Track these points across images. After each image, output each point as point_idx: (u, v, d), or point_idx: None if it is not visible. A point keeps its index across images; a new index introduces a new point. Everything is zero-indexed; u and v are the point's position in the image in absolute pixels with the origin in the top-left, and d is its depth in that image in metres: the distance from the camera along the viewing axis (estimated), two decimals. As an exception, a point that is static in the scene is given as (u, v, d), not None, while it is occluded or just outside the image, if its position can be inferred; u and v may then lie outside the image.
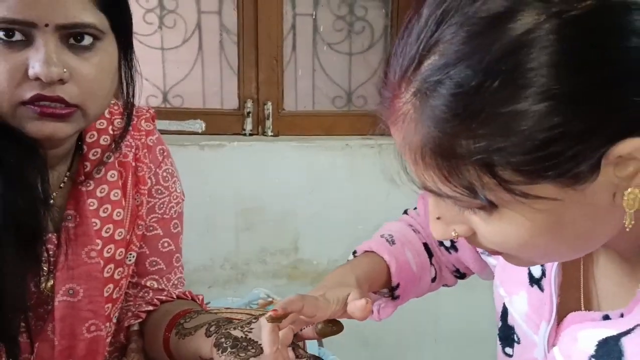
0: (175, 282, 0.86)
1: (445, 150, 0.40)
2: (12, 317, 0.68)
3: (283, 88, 1.63)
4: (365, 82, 1.70)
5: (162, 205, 0.85)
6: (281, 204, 1.57)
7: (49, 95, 0.62)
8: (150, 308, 0.83)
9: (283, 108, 1.64)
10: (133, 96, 0.77)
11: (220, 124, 1.61)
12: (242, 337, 0.67)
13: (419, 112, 0.41)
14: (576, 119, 0.37)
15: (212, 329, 0.71)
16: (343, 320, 0.64)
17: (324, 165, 1.57)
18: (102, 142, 0.78)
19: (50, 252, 0.74)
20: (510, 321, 0.58)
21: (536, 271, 0.54)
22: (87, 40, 0.64)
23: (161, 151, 0.86)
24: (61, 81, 0.62)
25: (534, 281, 0.54)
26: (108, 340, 0.79)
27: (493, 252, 0.47)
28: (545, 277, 0.53)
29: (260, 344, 0.63)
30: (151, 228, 0.84)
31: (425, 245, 0.77)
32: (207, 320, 0.74)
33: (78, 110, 0.65)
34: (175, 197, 0.87)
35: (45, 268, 0.73)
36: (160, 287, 0.84)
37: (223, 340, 0.67)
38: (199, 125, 1.59)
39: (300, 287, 1.60)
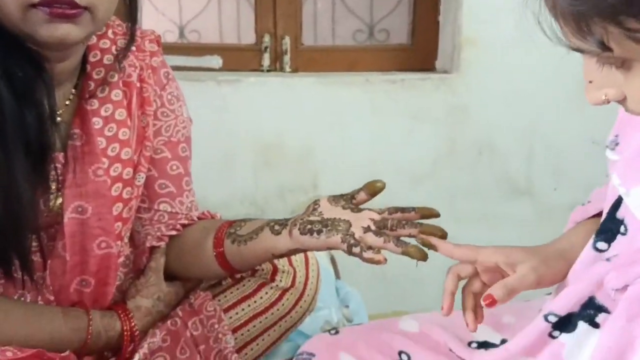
0: (189, 205, 0.87)
1: (575, 4, 0.42)
2: (24, 234, 0.70)
3: (301, 22, 1.58)
4: (387, 15, 1.64)
5: (168, 128, 0.84)
6: (300, 140, 1.55)
7: None
8: (174, 233, 0.84)
9: (302, 43, 1.60)
10: (135, 12, 0.76)
11: (238, 59, 1.58)
12: (322, 219, 0.71)
13: None
14: None
15: (277, 227, 0.75)
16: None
17: (344, 102, 1.54)
18: (105, 61, 0.77)
19: (58, 171, 0.75)
20: (620, 214, 0.57)
21: None
22: None
23: (166, 74, 0.85)
24: None
25: None
26: (120, 259, 0.81)
27: None
28: None
29: (341, 219, 0.69)
30: (159, 151, 0.84)
31: None
32: (260, 223, 0.78)
33: (86, 11, 0.65)
34: (182, 120, 0.86)
35: (53, 186, 0.74)
36: (174, 211, 0.85)
37: (310, 226, 0.70)
38: (216, 60, 1.57)
39: (320, 226, 1.60)
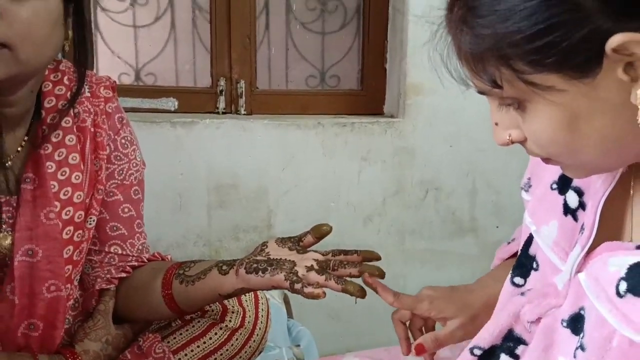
0: (140, 247, 0.89)
1: (473, 48, 0.47)
2: None
3: (256, 66, 1.64)
4: (338, 61, 1.72)
5: (121, 172, 0.87)
6: (254, 181, 1.58)
7: None
8: (123, 275, 0.86)
9: (256, 86, 1.66)
10: (86, 55, 0.78)
11: (193, 102, 1.62)
12: (268, 259, 0.75)
13: (462, 23, 0.48)
14: (565, 12, 0.42)
15: (224, 267, 0.77)
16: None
17: (297, 143, 1.59)
18: (60, 107, 0.80)
19: (9, 214, 0.75)
20: (532, 251, 0.61)
21: (573, 202, 0.57)
22: None
23: (120, 119, 0.87)
24: None
25: (569, 211, 0.57)
26: (70, 303, 0.81)
27: (543, 159, 0.53)
28: (582, 209, 0.56)
29: (286, 259, 0.74)
30: (111, 194, 0.86)
31: None
32: (209, 264, 0.80)
33: (5, 49, 0.65)
34: (135, 164, 0.89)
35: (3, 227, 0.74)
36: (124, 253, 0.86)
37: (255, 265, 0.74)
38: (171, 103, 1.60)
39: (274, 264, 1.62)
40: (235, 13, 1.58)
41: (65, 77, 0.82)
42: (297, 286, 0.70)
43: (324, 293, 0.69)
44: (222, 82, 1.61)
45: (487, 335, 0.59)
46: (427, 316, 0.72)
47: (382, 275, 0.72)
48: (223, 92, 1.62)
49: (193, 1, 1.61)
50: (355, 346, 1.75)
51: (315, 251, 0.77)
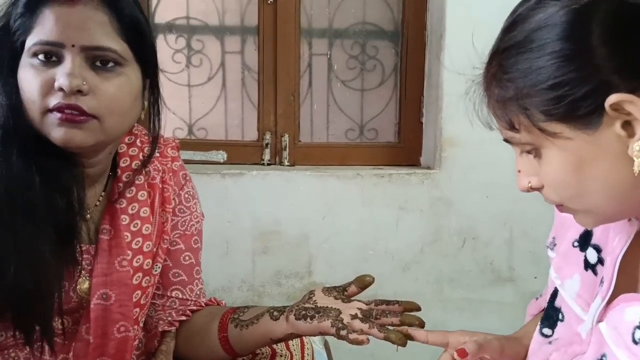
0: (198, 292, 0.96)
1: (499, 97, 0.56)
2: (48, 304, 0.76)
3: (299, 121, 1.74)
4: (376, 116, 1.80)
5: (184, 223, 0.96)
6: (296, 229, 1.65)
7: (68, 103, 0.72)
8: (184, 318, 0.93)
9: (299, 140, 1.75)
10: (159, 124, 0.88)
11: (241, 154, 1.72)
12: (315, 307, 0.81)
13: (493, 77, 0.58)
14: (573, 71, 0.51)
15: (275, 313, 0.84)
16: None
17: (337, 193, 1.65)
18: (133, 166, 0.90)
19: (88, 261, 0.85)
20: (557, 303, 0.67)
21: (592, 258, 0.63)
22: (110, 64, 0.75)
23: (184, 176, 0.97)
24: (81, 93, 0.73)
25: (589, 266, 0.63)
26: (135, 343, 0.89)
27: (558, 207, 0.60)
28: (600, 264, 0.62)
29: (332, 307, 0.79)
30: (174, 243, 0.95)
31: None
32: (261, 310, 0.87)
33: (94, 120, 0.74)
34: (195, 216, 0.98)
35: (82, 272, 0.84)
36: (184, 297, 0.94)
37: (304, 312, 0.80)
38: (221, 155, 1.71)
39: (314, 310, 1.66)
40: (281, 72, 1.70)
41: (138, 140, 0.92)
42: (343, 332, 0.76)
43: (368, 340, 0.75)
44: (267, 136, 1.72)
45: None
46: (462, 343, 0.72)
47: (422, 325, 0.78)
48: (268, 145, 1.72)
49: (242, 62, 1.74)
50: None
51: (359, 300, 0.83)
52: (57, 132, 0.74)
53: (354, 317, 0.78)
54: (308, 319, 0.79)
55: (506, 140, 0.59)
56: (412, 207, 1.67)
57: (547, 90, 0.52)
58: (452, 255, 1.71)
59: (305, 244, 1.67)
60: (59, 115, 0.73)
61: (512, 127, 0.56)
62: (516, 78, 0.54)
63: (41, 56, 0.74)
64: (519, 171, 0.60)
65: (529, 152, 0.58)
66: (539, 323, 0.69)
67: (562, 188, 0.56)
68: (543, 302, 0.77)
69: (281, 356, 0.96)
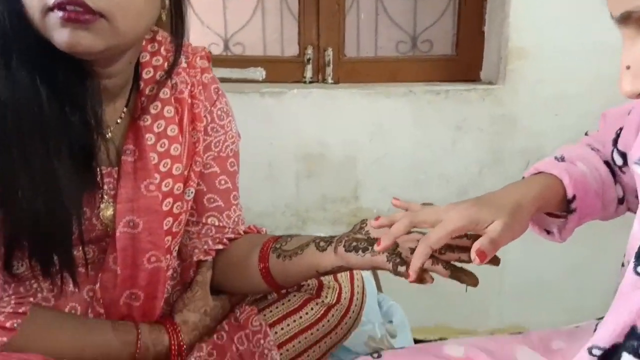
0: (236, 219, 0.88)
1: None
2: (66, 233, 0.69)
3: (344, 34, 1.59)
4: (430, 25, 1.62)
5: (218, 144, 0.85)
6: (342, 151, 1.55)
7: None
8: (220, 247, 0.85)
9: (344, 54, 1.60)
10: (183, 26, 0.76)
11: (281, 71, 1.59)
12: (368, 238, 0.71)
13: None
14: None
15: (322, 244, 0.75)
16: None
17: (386, 113, 1.53)
18: (158, 77, 0.79)
19: (111, 185, 0.76)
20: None
21: None
22: None
23: (216, 90, 0.86)
24: None
25: None
26: (169, 273, 0.82)
27: None
28: None
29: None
30: (208, 165, 0.85)
31: (607, 163, 0.75)
32: (306, 240, 0.78)
33: (103, 19, 0.62)
34: (230, 136, 0.87)
35: (105, 197, 0.75)
36: (221, 224, 0.86)
37: (355, 244, 0.70)
38: (259, 73, 1.59)
39: (361, 237, 1.59)
40: (323, -22, 1.53)
41: (162, 48, 0.81)
42: (401, 269, 0.65)
43: (432, 279, 0.64)
44: (309, 51, 1.58)
45: (606, 334, 0.52)
46: (459, 229, 0.62)
47: (497, 262, 0.66)
48: (310, 61, 1.58)
49: (281, -32, 1.57)
50: (443, 322, 1.71)
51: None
52: (60, 35, 0.62)
53: (414, 250, 0.66)
54: (360, 252, 0.69)
55: (622, 17, 0.45)
56: (470, 126, 1.53)
57: None
58: (513, 179, 1.55)
59: (352, 168, 1.56)
60: (60, 13, 0.61)
61: None
62: None
63: None
64: (628, 67, 0.46)
65: None
66: (634, 260, 0.56)
67: None
68: (556, 169, 0.68)
69: (329, 288, 0.88)
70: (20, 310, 0.69)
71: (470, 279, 0.64)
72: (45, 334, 0.71)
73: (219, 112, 0.85)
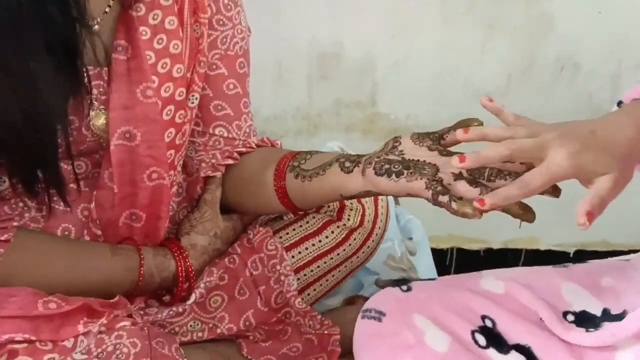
0: (247, 130, 0.77)
1: None
2: (48, 143, 0.59)
3: None
4: None
5: (225, 40, 0.73)
6: (359, 51, 1.41)
7: None
8: (230, 161, 0.75)
9: (365, -63, 1.41)
10: None
11: (294, -43, 1.41)
12: (403, 159, 0.59)
13: None
14: None
15: (347, 164, 0.63)
16: None
17: (410, 8, 1.37)
18: (152, -44, 0.64)
19: (101, 89, 0.65)
20: None
21: None
22: None
23: (221, -27, 0.71)
24: None
25: None
26: (173, 189, 0.73)
27: None
28: None
29: (425, 161, 0.58)
30: (214, 66, 0.73)
31: None
32: (329, 158, 0.66)
33: None
34: (239, 30, 0.74)
35: (95, 104, 0.64)
36: (230, 136, 0.75)
37: (387, 166, 0.58)
38: (270, -42, 1.41)
39: (375, 143, 1.50)
40: None
41: None
42: (443, 199, 0.53)
43: (481, 213, 0.53)
44: None
45: None
46: (562, 177, 0.53)
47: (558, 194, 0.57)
48: (327, -55, 1.39)
49: None
50: (458, 231, 1.66)
51: (464, 153, 0.60)
52: None
53: (458, 177, 0.55)
54: (393, 176, 0.57)
55: None
56: (503, 26, 1.38)
57: None
58: (544, 86, 1.45)
59: (370, 69, 1.43)
60: None
61: None
62: None
63: None
64: None
65: None
66: None
67: None
68: None
69: (351, 210, 0.79)
70: (2, 238, 0.60)
71: (526, 214, 0.54)
72: (33, 263, 0.63)
73: (225, 1, 0.72)
